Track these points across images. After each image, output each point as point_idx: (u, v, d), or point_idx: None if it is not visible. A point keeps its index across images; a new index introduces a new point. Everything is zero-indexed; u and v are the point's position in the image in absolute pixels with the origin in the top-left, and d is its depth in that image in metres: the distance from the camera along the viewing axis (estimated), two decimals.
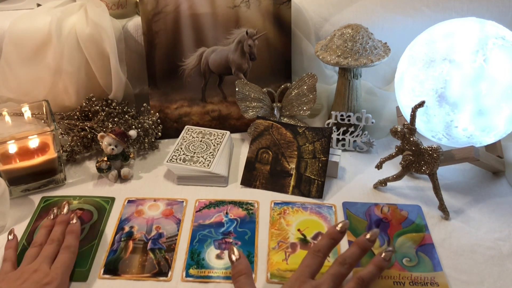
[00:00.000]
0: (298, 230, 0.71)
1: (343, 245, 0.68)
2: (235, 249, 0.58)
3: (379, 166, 0.77)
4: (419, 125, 0.78)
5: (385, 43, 0.86)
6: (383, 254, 0.57)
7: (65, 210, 0.70)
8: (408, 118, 0.73)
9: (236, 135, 0.95)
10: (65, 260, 0.62)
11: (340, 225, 0.58)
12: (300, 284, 0.53)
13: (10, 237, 0.67)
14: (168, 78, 0.92)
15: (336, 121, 0.88)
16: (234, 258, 0.58)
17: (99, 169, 0.81)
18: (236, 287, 0.56)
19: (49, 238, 0.65)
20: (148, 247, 0.68)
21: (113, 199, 0.78)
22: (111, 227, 0.72)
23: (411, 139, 0.72)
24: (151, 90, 0.92)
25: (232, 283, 0.61)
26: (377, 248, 0.67)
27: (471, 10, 0.94)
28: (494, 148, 0.81)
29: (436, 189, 0.73)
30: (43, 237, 0.66)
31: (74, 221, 0.68)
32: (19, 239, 0.70)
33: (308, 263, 0.56)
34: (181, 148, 0.84)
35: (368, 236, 0.57)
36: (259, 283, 0.63)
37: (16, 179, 0.77)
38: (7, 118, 0.83)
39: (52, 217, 0.69)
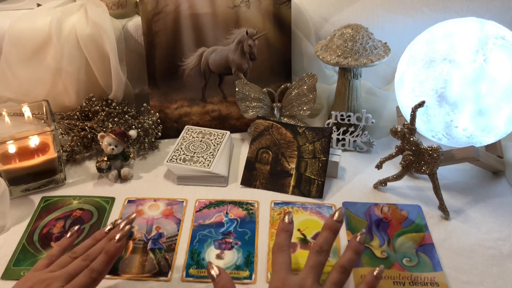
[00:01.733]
0: (298, 230, 0.71)
1: (343, 245, 0.68)
2: (213, 266, 0.55)
3: (379, 166, 0.77)
4: (419, 125, 0.78)
5: (385, 43, 0.86)
6: (358, 237, 0.57)
7: (126, 226, 0.61)
8: (408, 118, 0.73)
9: (236, 135, 0.95)
10: (80, 284, 0.54)
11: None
12: (283, 284, 0.53)
13: (68, 235, 0.62)
14: (168, 78, 0.92)
15: (336, 121, 0.88)
16: (214, 274, 0.54)
17: (99, 169, 0.81)
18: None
19: (86, 253, 0.58)
20: (148, 247, 0.68)
21: (113, 199, 0.78)
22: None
23: (411, 139, 0.72)
24: (151, 90, 0.92)
25: (235, 283, 0.61)
26: (377, 248, 0.67)
27: (471, 10, 0.94)
28: (494, 148, 0.81)
29: (436, 189, 0.73)
30: (84, 249, 0.59)
31: (117, 237, 0.58)
32: (19, 239, 0.70)
33: (281, 261, 0.56)
34: (181, 148, 0.84)
35: (335, 217, 0.58)
36: (259, 283, 0.63)
37: (16, 179, 0.77)
38: (7, 118, 0.83)
39: (107, 230, 0.61)
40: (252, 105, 0.90)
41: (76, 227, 0.63)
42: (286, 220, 0.61)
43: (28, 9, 0.97)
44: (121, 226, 0.61)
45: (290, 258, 0.57)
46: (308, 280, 0.53)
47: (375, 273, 0.55)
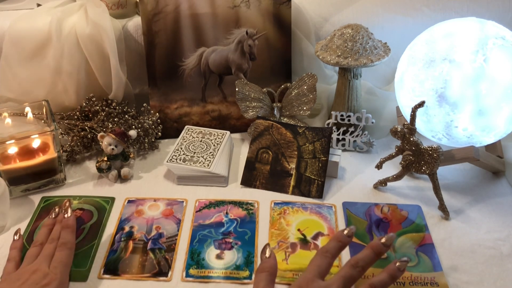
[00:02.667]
0: (298, 230, 0.71)
1: None
2: (268, 250, 0.58)
3: (379, 166, 0.77)
4: (419, 125, 0.78)
5: (385, 43, 0.86)
6: (398, 263, 0.54)
7: (68, 210, 0.69)
8: (408, 118, 0.73)
9: (236, 135, 0.95)
10: (62, 258, 0.62)
11: (346, 230, 0.57)
12: (308, 283, 0.53)
13: (16, 237, 0.67)
14: (168, 78, 0.92)
15: (336, 121, 0.88)
16: (264, 256, 0.57)
17: (99, 169, 0.81)
18: (254, 281, 0.56)
19: (50, 237, 0.65)
20: (148, 247, 0.68)
21: (113, 199, 0.78)
22: (111, 227, 0.72)
23: (411, 139, 0.72)
24: (151, 90, 0.92)
25: (233, 283, 0.62)
26: None
27: (471, 10, 0.94)
28: (494, 148, 0.81)
29: (436, 189, 0.73)
30: (44, 236, 0.66)
31: (68, 214, 0.68)
32: None
33: (317, 263, 0.55)
34: (181, 148, 0.84)
35: (383, 240, 0.55)
36: None
37: (16, 179, 0.77)
38: (7, 119, 0.83)
39: (53, 216, 0.69)
40: (252, 105, 0.90)
41: (17, 228, 0.68)
42: (345, 232, 0.57)
43: (28, 9, 0.97)
44: (67, 212, 0.69)
45: (329, 266, 0.55)
46: (333, 286, 0.52)
47: (397, 264, 0.53)
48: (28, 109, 0.83)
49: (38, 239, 0.66)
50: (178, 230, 0.71)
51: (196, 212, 0.75)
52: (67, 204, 0.70)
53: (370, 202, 0.76)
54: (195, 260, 0.66)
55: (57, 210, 0.70)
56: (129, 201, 0.77)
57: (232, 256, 0.67)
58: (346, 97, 0.88)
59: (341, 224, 0.72)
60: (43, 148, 0.79)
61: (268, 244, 0.59)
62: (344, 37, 0.82)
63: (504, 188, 0.79)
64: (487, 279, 0.63)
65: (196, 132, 0.89)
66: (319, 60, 0.86)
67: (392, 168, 0.81)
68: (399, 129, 0.72)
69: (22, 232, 0.71)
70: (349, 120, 0.87)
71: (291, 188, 0.79)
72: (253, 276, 0.64)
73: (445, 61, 0.72)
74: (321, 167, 0.79)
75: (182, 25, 0.89)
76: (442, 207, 0.73)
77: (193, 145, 0.85)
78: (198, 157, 0.82)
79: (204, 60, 0.92)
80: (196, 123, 0.94)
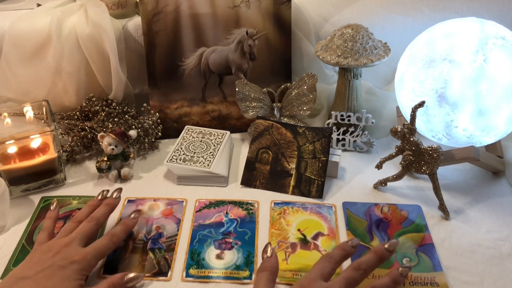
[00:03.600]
0: (298, 230, 0.71)
1: None
2: (269, 249, 0.59)
3: (379, 166, 0.77)
4: (419, 125, 0.78)
5: (385, 43, 0.86)
6: (401, 269, 0.55)
7: (116, 193, 0.69)
8: (408, 118, 0.73)
9: (236, 135, 0.95)
10: (102, 246, 0.61)
11: (387, 244, 0.57)
12: (310, 282, 0.53)
13: (52, 207, 0.68)
14: (168, 78, 0.92)
15: (336, 121, 0.88)
16: (265, 255, 0.59)
17: (99, 169, 0.81)
18: (255, 280, 0.57)
19: (90, 216, 0.65)
20: (148, 247, 0.68)
21: None
22: (111, 227, 0.72)
23: (411, 139, 0.72)
24: (151, 90, 0.92)
25: (234, 283, 0.63)
26: None
27: (471, 10, 0.94)
28: (494, 148, 0.81)
29: (436, 189, 0.73)
30: (84, 215, 0.65)
31: (133, 215, 0.68)
32: (18, 239, 0.70)
33: (321, 266, 0.55)
34: (181, 148, 0.84)
35: (386, 246, 0.56)
36: None
37: (16, 179, 0.77)
38: (7, 119, 0.83)
39: (100, 197, 0.69)
40: (252, 105, 0.90)
41: (54, 199, 0.70)
42: (350, 243, 0.58)
43: (28, 9, 0.97)
44: (114, 195, 0.69)
45: (332, 271, 0.55)
46: (335, 287, 0.52)
47: (400, 270, 0.54)
48: (26, 109, 0.83)
49: (78, 216, 0.65)
50: (178, 230, 0.71)
51: (196, 212, 0.75)
52: (118, 191, 0.70)
53: (370, 202, 0.76)
54: (195, 260, 0.66)
55: (105, 193, 0.70)
56: (129, 201, 0.77)
57: (232, 256, 0.67)
58: (346, 97, 0.88)
59: (341, 224, 0.72)
60: (43, 148, 0.79)
61: (269, 243, 0.59)
62: (344, 37, 0.82)
63: (504, 188, 0.79)
64: (487, 279, 0.63)
65: (196, 132, 0.89)
66: (319, 60, 0.86)
67: (392, 168, 0.81)
68: (399, 129, 0.72)
69: (22, 232, 0.71)
70: (349, 120, 0.87)
71: (291, 188, 0.79)
72: (253, 276, 0.64)
73: (445, 61, 0.72)
74: (321, 167, 0.79)
75: (182, 25, 0.89)
76: (442, 207, 0.73)
77: (193, 145, 0.85)
78: (198, 157, 0.82)
79: (204, 60, 0.92)
80: (196, 123, 0.94)
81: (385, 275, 0.55)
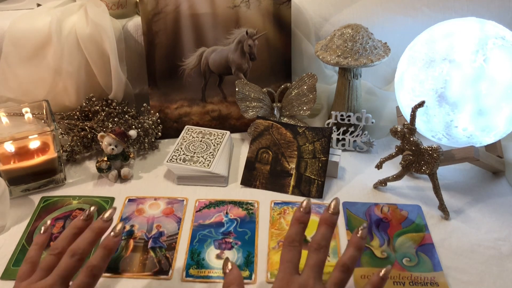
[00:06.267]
0: None
1: (343, 245, 0.68)
2: (228, 263, 0.56)
3: (379, 166, 0.77)
4: (419, 125, 0.78)
5: (385, 43, 0.86)
6: (359, 232, 0.54)
7: (108, 214, 0.56)
8: (408, 118, 0.73)
9: (236, 135, 0.95)
10: (82, 284, 0.51)
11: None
12: (288, 283, 0.52)
13: (42, 230, 0.58)
14: (168, 78, 0.92)
15: (336, 121, 0.88)
16: (227, 270, 0.55)
17: (99, 169, 0.81)
18: None
19: (72, 248, 0.53)
20: (149, 245, 0.69)
21: (112, 199, 0.78)
22: (111, 226, 0.72)
23: (411, 139, 0.72)
24: (151, 90, 0.92)
25: None
26: (377, 248, 0.67)
27: (471, 10, 0.94)
28: (494, 148, 0.81)
29: (436, 189, 0.73)
30: (67, 242, 0.55)
31: (116, 231, 0.55)
32: (18, 239, 0.70)
33: (288, 258, 0.54)
34: (181, 148, 0.84)
35: (331, 209, 0.55)
36: (259, 283, 0.63)
37: (16, 179, 0.77)
38: (7, 119, 0.83)
39: (85, 217, 0.57)
40: (252, 105, 0.90)
41: (49, 222, 0.59)
42: (302, 208, 0.56)
43: (28, 9, 0.97)
44: (106, 215, 0.56)
45: (299, 255, 0.54)
46: (310, 280, 0.51)
47: (381, 274, 0.53)
48: (25, 109, 0.83)
49: (58, 245, 0.54)
50: (178, 229, 0.71)
51: (196, 212, 0.75)
52: (112, 213, 0.57)
53: (370, 202, 0.76)
54: (195, 260, 0.66)
55: (91, 210, 0.57)
56: (130, 200, 0.77)
57: (232, 256, 0.67)
58: (346, 97, 0.88)
59: (341, 224, 0.72)
60: (43, 148, 0.79)
61: (227, 258, 0.57)
62: (344, 37, 0.82)
63: (504, 188, 0.79)
64: (487, 279, 0.63)
65: (196, 132, 0.89)
66: (319, 60, 0.86)
67: (392, 168, 0.81)
68: (399, 129, 0.72)
69: (22, 232, 0.71)
70: (349, 120, 0.87)
71: (291, 188, 0.79)
72: (254, 276, 0.64)
73: (445, 61, 0.72)
74: (321, 167, 0.79)
75: (182, 25, 0.89)
76: (442, 207, 0.73)
77: (193, 145, 0.85)
78: (198, 157, 0.82)
79: (204, 60, 0.92)
80: (196, 123, 0.94)
81: (347, 245, 0.54)
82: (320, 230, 0.55)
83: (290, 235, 0.55)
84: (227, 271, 0.55)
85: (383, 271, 0.53)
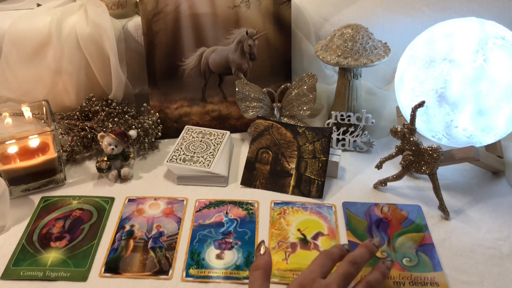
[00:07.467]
0: (298, 230, 0.71)
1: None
2: (262, 247, 0.58)
3: (379, 166, 0.77)
4: (419, 125, 0.78)
5: (385, 43, 0.86)
6: (386, 262, 0.58)
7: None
8: (408, 118, 0.73)
9: (236, 135, 0.95)
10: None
11: (375, 241, 0.59)
12: (309, 282, 0.53)
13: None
14: (168, 78, 0.92)
15: (336, 121, 0.88)
16: (259, 253, 0.57)
17: (99, 169, 0.81)
18: (249, 280, 0.56)
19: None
20: (149, 245, 0.69)
21: (112, 199, 0.78)
22: (111, 226, 0.72)
23: (411, 139, 0.72)
24: (151, 90, 0.92)
25: (234, 282, 0.62)
26: None
27: (471, 10, 0.94)
28: (494, 148, 0.81)
29: (436, 189, 0.73)
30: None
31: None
32: (18, 239, 0.70)
33: (320, 263, 0.55)
34: (181, 148, 0.84)
35: (374, 242, 0.59)
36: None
37: (16, 179, 0.77)
38: (7, 119, 0.83)
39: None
40: (252, 105, 0.90)
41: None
42: (375, 242, 0.59)
43: (28, 9, 0.97)
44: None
45: (331, 268, 0.56)
46: (333, 285, 0.52)
47: (386, 263, 0.58)
48: (25, 109, 0.83)
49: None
50: (178, 229, 0.71)
51: (196, 212, 0.75)
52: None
53: (370, 202, 0.76)
54: (195, 260, 0.66)
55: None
56: (130, 200, 0.77)
57: (232, 256, 0.67)
58: (346, 97, 0.88)
59: (341, 224, 0.72)
60: (43, 148, 0.79)
61: (263, 241, 0.58)
62: (344, 37, 0.82)
63: (504, 188, 0.79)
64: (487, 279, 0.63)
65: (196, 132, 0.89)
66: (319, 60, 0.86)
67: (392, 168, 0.81)
68: (399, 129, 0.72)
69: (22, 232, 0.71)
70: (349, 120, 0.87)
71: (291, 188, 0.79)
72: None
73: (445, 61, 0.72)
74: (321, 167, 0.79)
75: (182, 25, 0.89)
76: (442, 207, 0.73)
77: (193, 145, 0.85)
78: (198, 157, 0.82)
79: (204, 60, 0.92)
80: (196, 123, 0.94)
81: (373, 268, 0.58)
82: (360, 249, 0.58)
83: (356, 255, 0.57)
84: (259, 254, 0.57)
85: (386, 262, 0.58)
